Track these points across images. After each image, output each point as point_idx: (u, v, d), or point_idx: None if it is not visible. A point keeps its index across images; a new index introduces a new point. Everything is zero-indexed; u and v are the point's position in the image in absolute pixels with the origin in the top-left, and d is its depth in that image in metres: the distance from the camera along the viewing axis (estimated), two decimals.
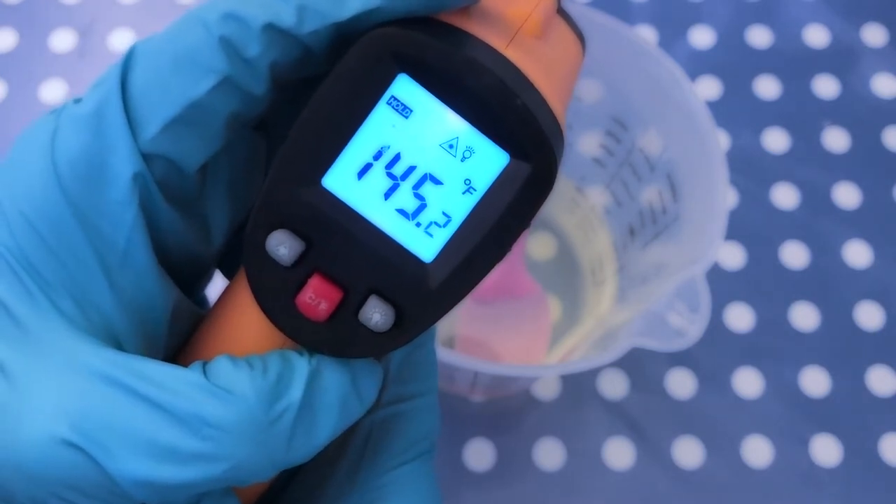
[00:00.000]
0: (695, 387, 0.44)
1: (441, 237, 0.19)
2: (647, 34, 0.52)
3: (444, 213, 0.19)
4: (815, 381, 0.44)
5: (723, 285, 0.46)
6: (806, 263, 0.47)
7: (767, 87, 0.51)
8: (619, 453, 0.43)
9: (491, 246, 0.19)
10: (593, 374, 0.44)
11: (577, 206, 0.46)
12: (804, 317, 0.46)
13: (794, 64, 0.52)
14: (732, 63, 0.51)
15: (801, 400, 0.44)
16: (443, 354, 0.33)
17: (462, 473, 0.42)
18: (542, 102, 0.18)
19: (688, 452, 0.43)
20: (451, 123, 0.18)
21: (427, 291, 0.19)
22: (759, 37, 0.52)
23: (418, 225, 0.19)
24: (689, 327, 0.34)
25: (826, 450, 0.43)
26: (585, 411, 0.43)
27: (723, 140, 0.49)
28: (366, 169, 0.19)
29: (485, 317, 0.43)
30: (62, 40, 0.51)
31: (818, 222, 0.48)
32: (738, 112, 0.50)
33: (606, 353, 0.33)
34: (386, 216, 0.19)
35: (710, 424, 0.43)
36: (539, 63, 0.19)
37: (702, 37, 0.52)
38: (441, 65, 0.18)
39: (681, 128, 0.38)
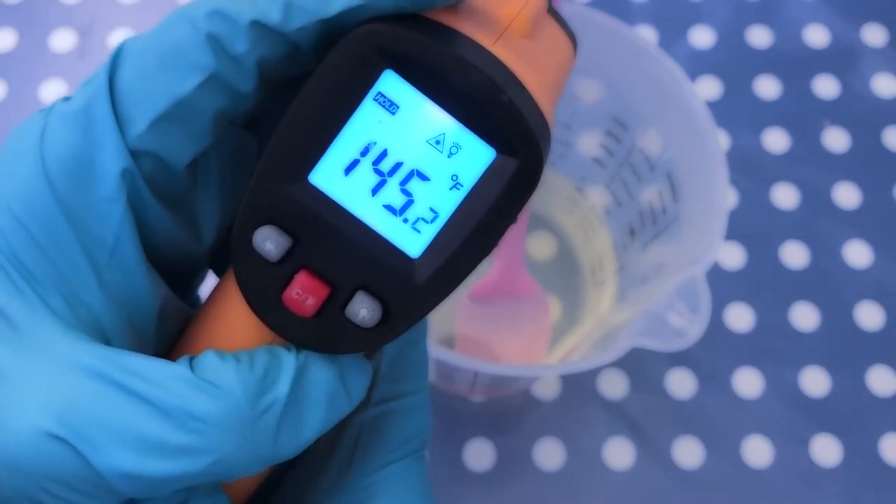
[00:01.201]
0: (695, 387, 0.44)
1: (428, 233, 0.19)
2: (647, 34, 0.52)
3: (431, 209, 0.19)
4: (815, 381, 0.44)
5: (723, 285, 0.46)
6: (806, 263, 0.47)
7: (767, 87, 0.51)
8: (619, 453, 0.43)
9: (478, 241, 0.19)
10: (593, 374, 0.44)
11: (577, 206, 0.46)
12: (804, 317, 0.46)
13: (794, 64, 0.52)
14: (732, 63, 0.51)
15: (801, 400, 0.44)
16: (443, 354, 0.33)
17: (462, 473, 0.42)
18: (529, 98, 0.18)
19: (688, 452, 0.43)
20: (438, 119, 0.18)
21: (414, 287, 0.19)
22: (759, 37, 0.52)
23: (405, 221, 0.19)
24: (689, 327, 0.34)
25: (826, 450, 0.43)
26: (585, 411, 0.43)
27: (723, 140, 0.49)
28: (353, 165, 0.19)
29: (485, 317, 0.43)
30: (62, 40, 0.51)
31: (818, 222, 0.48)
32: (738, 112, 0.50)
33: (606, 353, 0.33)
34: (373, 212, 0.19)
35: (710, 424, 0.43)
36: (527, 61, 0.19)
37: (702, 37, 0.52)
38: (427, 61, 0.18)
39: (681, 128, 0.38)
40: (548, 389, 0.44)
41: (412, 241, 0.19)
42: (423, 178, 0.19)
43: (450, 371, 0.38)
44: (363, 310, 0.19)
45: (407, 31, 0.18)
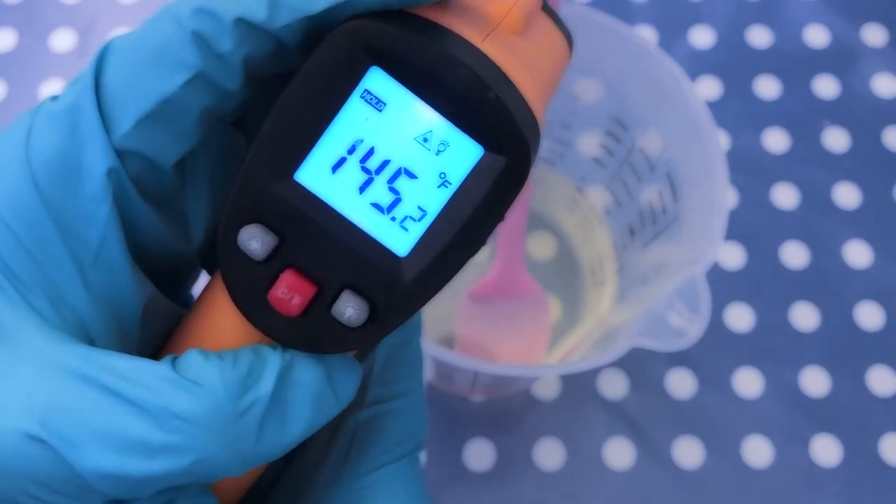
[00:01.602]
0: (695, 387, 0.44)
1: (416, 231, 0.19)
2: (647, 34, 0.52)
3: (418, 208, 0.19)
4: (815, 381, 0.44)
5: (723, 285, 0.46)
6: (806, 263, 0.47)
7: (767, 87, 0.51)
8: (619, 453, 0.43)
9: (466, 239, 0.19)
10: (593, 374, 0.44)
11: (577, 206, 0.46)
12: (804, 317, 0.46)
13: (794, 64, 0.52)
14: (732, 63, 0.51)
15: (801, 400, 0.44)
16: (443, 354, 0.33)
17: (462, 473, 0.42)
18: (518, 96, 0.18)
19: (688, 452, 0.43)
20: (425, 117, 0.18)
21: (401, 286, 0.19)
22: (759, 37, 0.52)
23: (393, 219, 0.19)
24: (689, 327, 0.34)
25: (826, 450, 0.43)
26: (585, 411, 0.43)
27: (723, 140, 0.49)
28: (340, 163, 0.18)
29: (485, 317, 0.43)
30: (62, 40, 0.51)
31: (818, 222, 0.48)
32: (738, 112, 0.50)
33: (606, 353, 0.33)
34: (360, 210, 0.19)
35: (710, 424, 0.43)
36: (517, 58, 0.19)
37: (702, 37, 0.52)
38: (414, 58, 0.18)
39: (681, 128, 0.38)
40: (548, 389, 0.44)
41: (400, 239, 0.19)
42: (411, 175, 0.19)
43: (449, 371, 0.38)
44: (349, 309, 0.19)
45: (393, 27, 0.17)
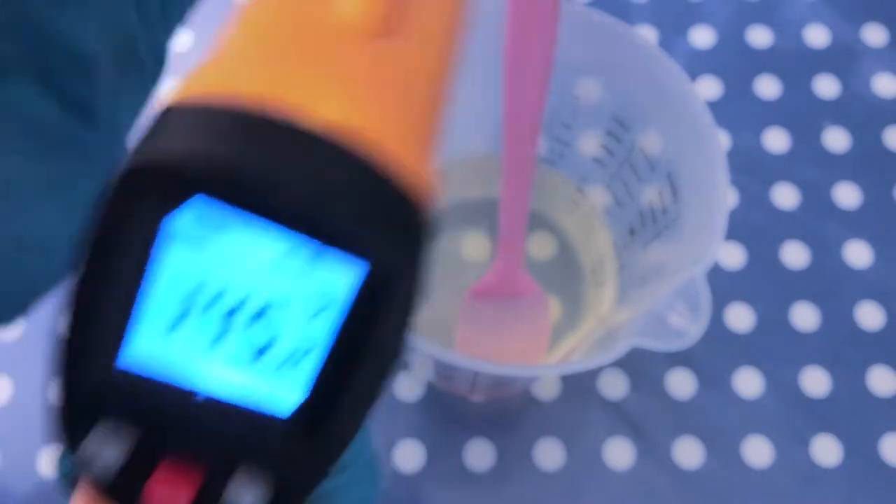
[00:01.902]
0: (695, 387, 0.44)
1: (299, 379, 0.15)
2: (647, 34, 0.52)
3: (295, 348, 0.15)
4: (815, 381, 0.44)
5: (723, 285, 0.46)
6: (806, 263, 0.47)
7: (767, 87, 0.51)
8: (619, 453, 0.43)
9: (365, 375, 0.15)
10: (593, 374, 0.44)
11: (577, 206, 0.46)
12: (804, 317, 0.46)
13: (794, 64, 0.52)
14: (732, 63, 0.51)
15: (801, 400, 0.44)
16: (443, 354, 0.33)
17: (462, 473, 0.42)
18: (383, 184, 0.14)
19: (688, 452, 0.43)
20: (274, 238, 0.14)
21: (299, 451, 0.16)
22: (759, 37, 0.52)
23: (267, 369, 0.15)
24: (689, 327, 0.34)
25: (826, 450, 0.43)
26: (585, 411, 0.43)
27: (723, 140, 0.49)
28: (178, 321, 0.15)
29: (485, 316, 0.43)
30: None
31: (818, 222, 0.48)
32: (738, 112, 0.50)
33: (606, 353, 0.33)
34: (221, 372, 0.15)
35: (710, 424, 0.43)
36: (381, 91, 0.15)
37: (702, 37, 0.52)
38: (234, 177, 0.14)
39: (681, 128, 0.38)
40: (548, 389, 0.44)
41: (282, 394, 0.15)
42: (276, 311, 0.15)
43: (450, 371, 0.38)
44: (247, 497, 0.16)
45: (196, 144, 0.14)
